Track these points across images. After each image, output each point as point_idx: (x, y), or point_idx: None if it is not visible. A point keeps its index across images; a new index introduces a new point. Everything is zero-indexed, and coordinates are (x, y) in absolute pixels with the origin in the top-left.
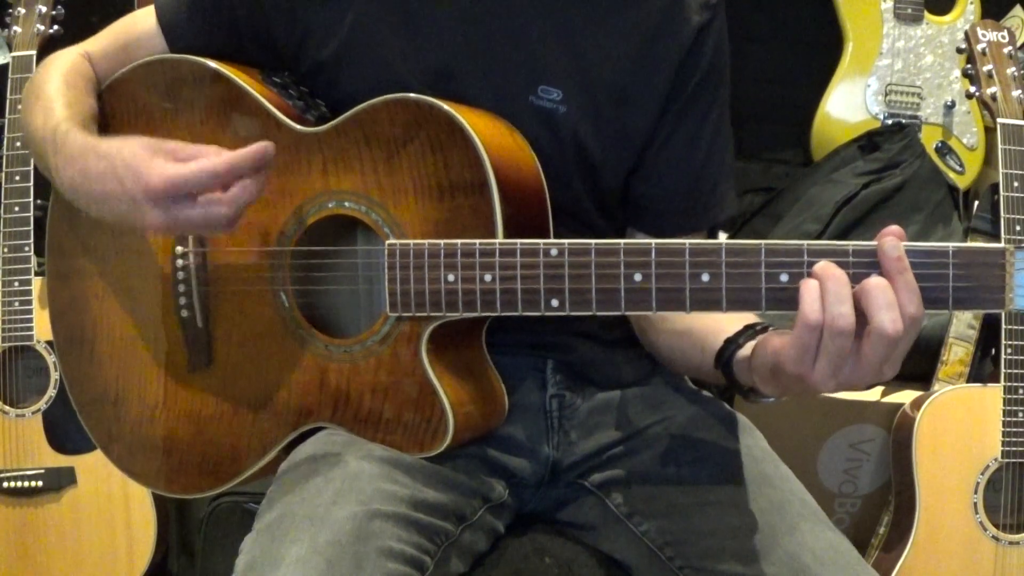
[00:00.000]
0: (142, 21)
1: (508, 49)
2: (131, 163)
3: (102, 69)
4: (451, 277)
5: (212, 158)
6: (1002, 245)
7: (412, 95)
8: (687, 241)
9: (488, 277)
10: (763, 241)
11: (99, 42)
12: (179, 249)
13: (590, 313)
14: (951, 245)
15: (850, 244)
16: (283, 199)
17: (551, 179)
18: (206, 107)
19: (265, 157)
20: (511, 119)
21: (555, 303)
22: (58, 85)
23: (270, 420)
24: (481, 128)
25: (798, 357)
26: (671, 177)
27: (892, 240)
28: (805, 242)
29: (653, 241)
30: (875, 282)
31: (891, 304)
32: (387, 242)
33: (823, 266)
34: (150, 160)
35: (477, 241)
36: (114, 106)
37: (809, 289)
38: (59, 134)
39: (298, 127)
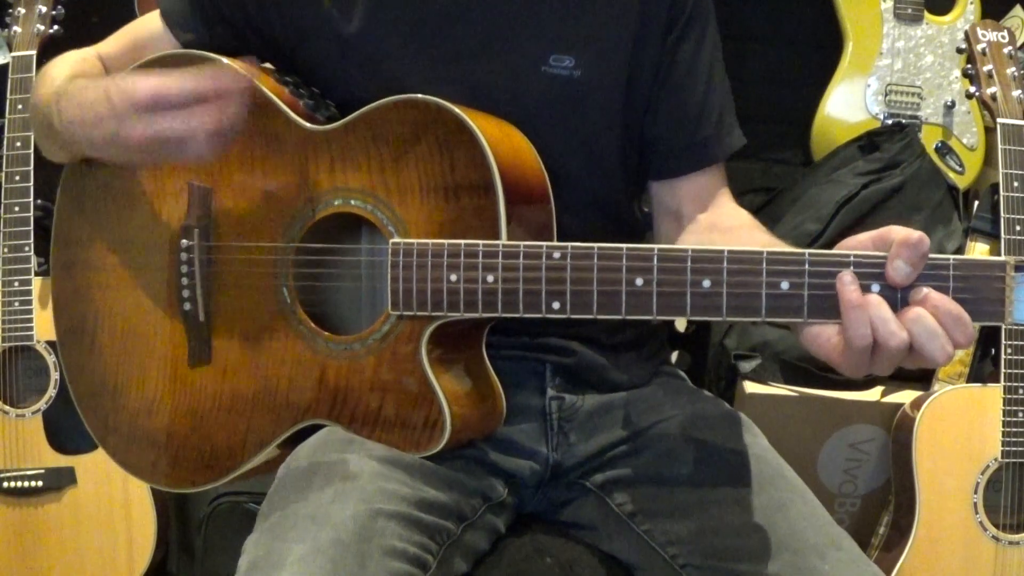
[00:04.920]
0: (151, 23)
1: (515, 24)
2: (119, 82)
3: (114, 69)
4: (453, 277)
5: (195, 73)
6: (1003, 258)
7: (421, 96)
8: (689, 247)
9: (490, 278)
10: (765, 248)
11: (110, 45)
12: (184, 242)
13: (591, 316)
14: (952, 257)
15: (851, 253)
16: (290, 195)
17: (575, 146)
18: None
19: (249, 90)
20: (526, 90)
21: (556, 305)
22: (68, 71)
23: (268, 416)
24: (488, 131)
25: (852, 369)
26: (676, 110)
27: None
28: (807, 250)
29: (656, 247)
30: (917, 314)
31: (937, 334)
32: (391, 240)
33: (856, 293)
34: (135, 74)
35: (480, 242)
36: None
37: (853, 310)
38: (61, 87)
39: (307, 125)
